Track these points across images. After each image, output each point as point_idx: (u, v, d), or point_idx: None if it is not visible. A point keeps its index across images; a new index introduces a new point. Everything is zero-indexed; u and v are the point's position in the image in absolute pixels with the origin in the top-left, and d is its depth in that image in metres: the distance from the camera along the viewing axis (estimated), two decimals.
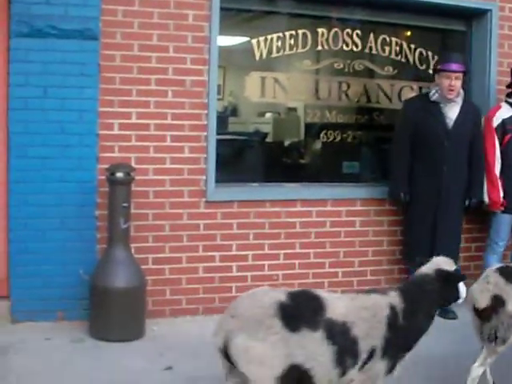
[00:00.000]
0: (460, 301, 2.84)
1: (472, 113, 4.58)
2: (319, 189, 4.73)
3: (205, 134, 4.29)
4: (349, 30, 4.80)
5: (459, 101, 4.52)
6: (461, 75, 4.46)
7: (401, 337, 2.55)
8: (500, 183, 4.66)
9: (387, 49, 4.94)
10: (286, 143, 5.15)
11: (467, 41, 5.20)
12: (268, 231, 4.50)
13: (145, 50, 4.13)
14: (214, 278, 4.37)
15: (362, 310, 2.52)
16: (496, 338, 3.03)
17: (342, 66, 4.86)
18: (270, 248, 4.50)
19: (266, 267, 4.50)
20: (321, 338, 2.40)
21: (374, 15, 4.88)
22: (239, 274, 4.43)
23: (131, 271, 3.90)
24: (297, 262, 4.58)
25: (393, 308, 2.57)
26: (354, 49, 4.85)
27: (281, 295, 2.44)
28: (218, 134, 4.35)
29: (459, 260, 4.65)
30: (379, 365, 2.52)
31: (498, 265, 3.34)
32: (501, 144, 4.65)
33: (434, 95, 4.49)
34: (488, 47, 5.06)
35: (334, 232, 4.68)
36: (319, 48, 4.75)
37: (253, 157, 4.96)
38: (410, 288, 2.71)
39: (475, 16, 5.12)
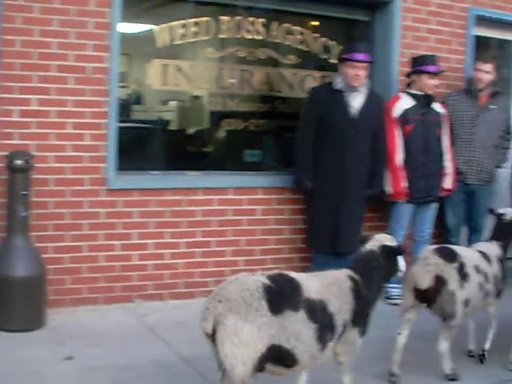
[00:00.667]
0: (400, 274, 3.68)
1: (376, 102, 5.59)
2: (221, 177, 5.61)
3: (106, 121, 5.07)
4: (252, 19, 5.72)
5: (363, 90, 5.50)
6: (366, 65, 5.45)
7: (364, 304, 3.37)
8: (403, 173, 5.69)
9: (290, 38, 5.91)
10: (190, 131, 6.01)
11: (371, 31, 6.29)
12: (169, 220, 5.36)
13: (45, 36, 4.84)
14: (114, 266, 5.19)
15: (330, 286, 3.28)
16: (446, 316, 3.93)
17: (245, 54, 5.79)
18: (171, 237, 5.37)
19: (167, 256, 5.34)
20: (302, 317, 3.06)
21: (277, 4, 5.84)
22: (140, 262, 5.27)
23: (31, 260, 4.61)
24: (198, 250, 5.47)
25: (352, 278, 3.37)
26: (258, 37, 5.79)
27: (263, 278, 3.05)
28: (120, 121, 5.14)
29: None
30: (353, 333, 3.33)
31: (436, 246, 4.26)
32: (403, 134, 5.70)
33: (339, 84, 5.45)
34: (391, 38, 6.15)
35: (235, 220, 5.61)
36: (222, 36, 5.65)
37: (155, 145, 5.78)
38: (359, 264, 3.50)
39: (379, 6, 6.20)
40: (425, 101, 5.71)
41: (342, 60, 5.46)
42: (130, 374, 3.95)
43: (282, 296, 3.03)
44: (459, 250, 4.19)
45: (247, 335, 2.90)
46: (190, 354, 4.26)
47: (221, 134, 5.97)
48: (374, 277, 3.47)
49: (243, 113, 5.87)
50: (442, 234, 6.23)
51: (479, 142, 6.04)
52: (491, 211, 4.81)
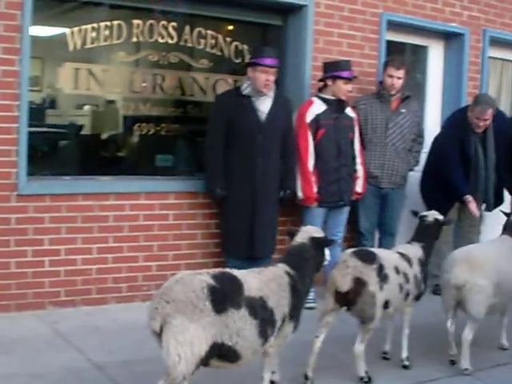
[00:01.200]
0: (326, 263, 4.45)
1: (284, 106, 6.47)
2: (132, 182, 6.38)
3: (16, 125, 5.76)
4: (164, 22, 6.54)
5: (271, 94, 6.37)
6: (276, 70, 6.31)
7: (299, 298, 4.10)
8: (314, 178, 6.57)
9: (203, 42, 6.80)
10: (103, 136, 6.80)
11: (283, 35, 7.24)
12: (81, 225, 6.11)
13: None
14: (26, 273, 5.90)
15: (270, 282, 3.96)
16: (365, 318, 4.55)
17: (157, 58, 6.62)
18: (83, 242, 6.13)
19: (79, 261, 6.08)
20: (244, 315, 3.69)
21: (190, 8, 6.71)
22: (52, 268, 6.01)
23: None
24: (110, 256, 6.25)
25: (289, 274, 4.08)
26: (170, 41, 6.62)
27: (207, 278, 3.65)
28: (31, 125, 5.84)
29: (275, 252, 6.52)
30: (288, 326, 4.05)
31: (354, 249, 4.98)
32: (315, 139, 6.57)
33: (247, 89, 6.29)
34: (303, 42, 7.09)
35: (147, 225, 6.40)
36: (134, 40, 6.46)
37: (68, 150, 6.51)
38: (292, 258, 4.22)
39: (291, 11, 7.14)
40: (337, 106, 6.61)
41: (250, 64, 6.29)
42: (41, 382, 4.44)
43: (225, 296, 3.65)
44: (378, 251, 4.88)
45: (192, 334, 3.52)
46: (101, 361, 4.87)
47: (133, 138, 6.74)
48: (306, 269, 4.23)
49: (156, 117, 6.68)
50: (355, 237, 7.23)
51: (392, 145, 7.04)
52: (414, 213, 5.58)
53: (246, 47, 7.00)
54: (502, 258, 5.37)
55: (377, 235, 7.35)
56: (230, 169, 6.27)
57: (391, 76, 6.95)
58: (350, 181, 6.75)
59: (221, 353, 3.67)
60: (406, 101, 7.14)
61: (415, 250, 5.17)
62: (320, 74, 6.80)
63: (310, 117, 6.54)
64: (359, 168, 6.84)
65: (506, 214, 5.98)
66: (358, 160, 6.83)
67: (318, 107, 6.58)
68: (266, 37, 7.40)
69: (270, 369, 4.24)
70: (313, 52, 7.11)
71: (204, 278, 3.68)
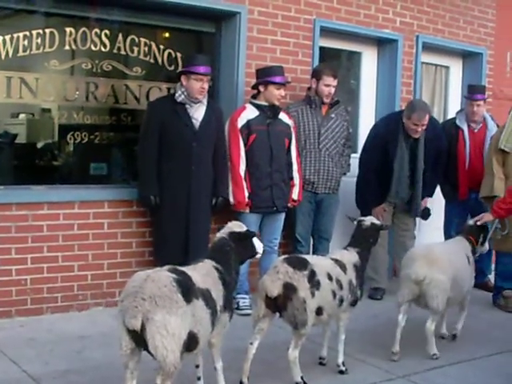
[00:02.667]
0: (258, 255, 4.88)
1: (215, 113, 6.80)
2: (66, 191, 6.64)
3: None
4: (97, 30, 6.82)
5: (205, 102, 6.69)
6: (209, 77, 6.64)
7: (230, 289, 4.53)
8: (245, 183, 6.91)
9: (136, 49, 7.09)
10: (38, 145, 7.04)
11: (217, 42, 7.58)
12: (14, 235, 6.34)
13: None
14: None
15: (206, 276, 4.37)
16: (297, 323, 4.79)
17: (90, 66, 6.88)
18: (17, 252, 6.35)
19: (14, 272, 6.31)
20: (201, 304, 4.15)
21: (123, 15, 7.00)
22: None
23: None
24: (45, 265, 6.49)
25: (217, 268, 4.47)
26: (103, 49, 6.90)
27: (170, 273, 4.06)
28: None
29: None
30: (224, 316, 4.48)
31: (286, 255, 5.29)
32: (247, 144, 6.92)
33: (181, 96, 6.59)
34: (237, 49, 7.44)
35: (82, 234, 6.67)
36: (67, 48, 6.71)
37: (1, 159, 6.69)
38: (215, 253, 4.62)
39: (225, 18, 7.49)
40: (270, 111, 6.96)
41: (183, 72, 6.60)
42: None
43: (187, 287, 4.07)
44: (310, 258, 5.10)
45: (174, 326, 3.91)
46: (37, 372, 5.06)
47: (67, 147, 6.99)
48: (229, 262, 4.59)
49: (89, 125, 6.94)
50: (291, 243, 7.60)
51: (326, 150, 7.45)
52: (352, 219, 5.88)
53: (179, 55, 7.29)
54: (456, 256, 6.04)
55: (312, 241, 7.71)
56: (164, 176, 6.54)
57: (328, 85, 7.35)
58: (284, 187, 7.07)
59: (190, 341, 4.06)
60: (335, 106, 7.55)
61: (350, 256, 5.42)
62: (253, 80, 7.14)
63: (241, 122, 6.88)
64: (296, 175, 7.19)
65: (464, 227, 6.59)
66: (295, 167, 7.19)
67: (250, 113, 6.92)
68: (199, 44, 7.74)
69: (219, 358, 4.63)
70: (246, 59, 7.45)
71: (167, 273, 4.09)
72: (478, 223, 6.42)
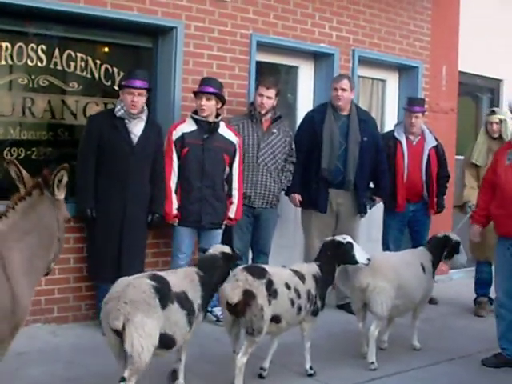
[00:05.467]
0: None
1: (154, 129, 7.27)
2: (2, 207, 6.89)
3: None
4: (34, 45, 7.26)
5: (144, 117, 7.16)
6: (144, 91, 7.09)
7: (208, 293, 5.37)
8: (175, 195, 7.36)
9: (73, 64, 7.54)
10: None
11: (154, 57, 8.08)
12: None
13: None
14: None
15: (184, 279, 5.26)
16: (253, 330, 5.37)
17: (26, 81, 7.27)
18: None
19: None
20: (176, 307, 4.99)
21: (59, 30, 7.46)
22: None
23: None
24: None
25: (198, 274, 5.38)
26: (39, 64, 7.33)
27: (149, 281, 4.92)
28: None
29: None
30: (200, 316, 5.32)
31: (246, 265, 5.86)
32: (180, 157, 7.37)
33: (120, 111, 7.06)
34: (173, 64, 7.93)
35: None
36: (3, 63, 7.13)
37: None
38: (203, 264, 5.55)
39: (161, 33, 7.99)
40: (208, 126, 7.39)
41: (121, 87, 7.07)
42: None
43: (164, 293, 4.93)
44: (269, 268, 5.73)
45: (150, 328, 4.76)
46: None
47: (3, 163, 7.31)
48: (214, 275, 5.48)
49: (26, 141, 7.34)
50: None
51: (264, 165, 7.92)
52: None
53: (116, 70, 7.77)
54: (406, 265, 6.78)
55: (251, 255, 8.19)
56: (101, 190, 6.98)
57: (261, 95, 7.82)
58: (215, 203, 7.44)
59: (163, 342, 4.93)
60: (277, 121, 8.03)
61: (310, 268, 6.07)
62: (190, 95, 7.65)
63: (176, 135, 7.34)
64: (235, 193, 7.62)
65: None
66: (235, 185, 7.61)
67: (187, 126, 7.38)
68: (136, 59, 8.24)
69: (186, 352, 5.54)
70: (183, 73, 7.93)
71: (146, 280, 4.96)
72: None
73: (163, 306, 4.89)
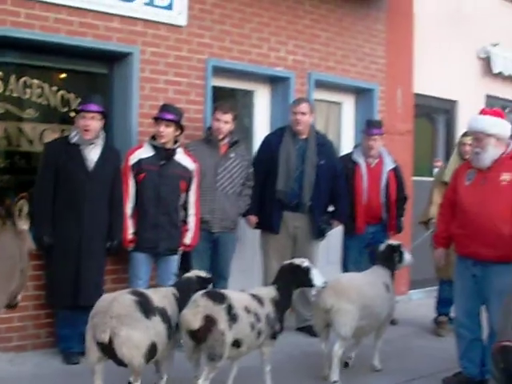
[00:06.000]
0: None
1: (112, 155, 7.38)
2: None
3: None
4: None
5: (99, 143, 7.25)
6: (97, 115, 7.15)
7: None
8: (131, 221, 7.48)
9: (29, 91, 7.64)
10: None
11: (110, 83, 8.22)
12: None
13: None
14: None
15: (164, 298, 5.77)
16: (215, 355, 5.47)
17: None
18: None
19: None
20: (159, 320, 5.51)
21: (15, 57, 7.56)
22: None
23: None
24: None
25: (174, 294, 5.90)
26: None
27: (132, 296, 5.46)
28: None
29: None
30: (177, 335, 5.77)
31: (205, 290, 5.85)
32: (137, 183, 7.48)
33: (75, 137, 7.16)
34: (129, 90, 8.06)
35: None
36: None
37: None
38: (180, 286, 6.09)
39: (117, 59, 8.14)
40: (165, 153, 7.52)
41: (77, 112, 7.19)
42: None
43: (146, 306, 5.47)
44: (228, 292, 5.87)
45: (136, 339, 5.31)
46: None
47: None
48: (189, 294, 5.81)
49: None
50: None
51: (222, 190, 8.05)
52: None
53: (72, 96, 7.90)
54: (369, 286, 6.99)
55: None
56: (58, 216, 7.05)
57: (218, 120, 7.97)
58: (171, 230, 7.54)
59: (152, 351, 5.44)
60: (234, 145, 8.18)
61: (268, 291, 6.24)
62: (146, 120, 7.82)
63: (133, 160, 7.44)
64: (191, 219, 7.73)
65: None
66: (191, 211, 7.72)
67: (144, 152, 7.49)
68: (92, 85, 8.36)
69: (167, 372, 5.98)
70: (139, 99, 8.07)
71: (130, 296, 5.50)
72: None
73: (147, 316, 5.42)
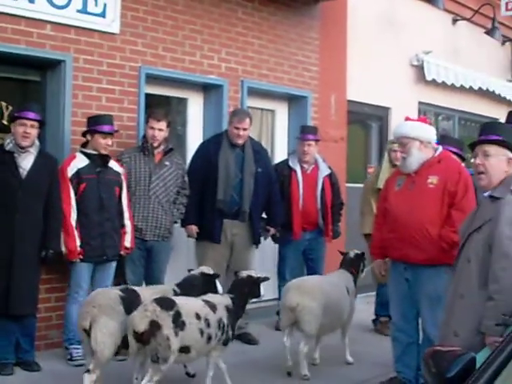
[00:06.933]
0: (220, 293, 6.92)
1: (47, 163, 7.51)
2: None
3: None
4: None
5: (33, 150, 7.37)
6: (36, 124, 7.30)
7: None
8: (77, 232, 7.64)
9: None
10: None
11: (43, 91, 8.38)
12: None
13: None
14: None
15: (158, 294, 6.36)
16: (158, 358, 5.88)
17: None
18: None
19: None
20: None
21: None
22: None
23: None
24: None
25: (175, 290, 6.66)
26: None
27: (117, 291, 6.31)
28: None
29: (37, 311, 7.51)
30: None
31: (156, 297, 6.20)
32: (78, 193, 7.67)
33: (9, 145, 7.29)
34: (62, 97, 8.25)
35: None
36: None
37: None
38: (184, 283, 6.85)
39: (50, 66, 8.31)
40: (100, 160, 7.75)
41: (14, 119, 7.31)
42: None
43: (130, 302, 6.22)
44: (179, 300, 6.23)
45: (112, 328, 6.12)
46: None
47: None
48: (193, 290, 6.61)
49: None
50: None
51: (155, 198, 8.28)
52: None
53: (4, 104, 8.06)
54: (333, 287, 7.72)
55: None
56: None
57: (152, 128, 8.22)
58: (114, 235, 7.82)
59: (127, 343, 6.03)
60: (169, 153, 8.43)
61: (222, 299, 6.68)
62: (80, 128, 7.98)
63: (71, 171, 7.61)
64: (127, 223, 7.98)
65: (342, 253, 8.25)
66: (126, 215, 7.97)
67: (80, 162, 7.68)
68: (25, 93, 8.53)
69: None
70: (72, 107, 8.24)
71: (116, 291, 6.38)
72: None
73: (128, 311, 6.11)
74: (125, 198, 7.98)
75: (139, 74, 8.87)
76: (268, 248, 9.62)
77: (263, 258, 9.73)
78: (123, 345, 6.15)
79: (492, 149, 5.18)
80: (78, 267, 7.68)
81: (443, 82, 13.65)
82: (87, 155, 7.72)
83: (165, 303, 6.04)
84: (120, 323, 6.12)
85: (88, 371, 6.10)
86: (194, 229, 8.68)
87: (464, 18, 14.49)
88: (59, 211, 7.51)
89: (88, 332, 6.11)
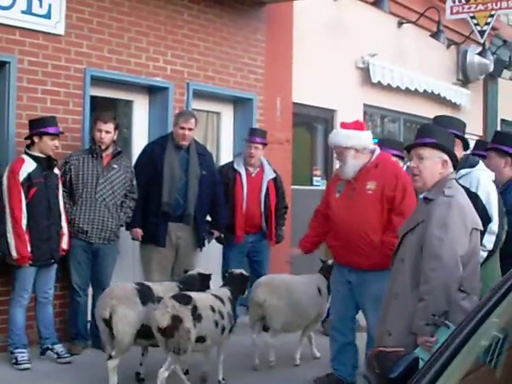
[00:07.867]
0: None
1: None
2: None
3: None
4: None
5: None
6: None
7: None
8: (27, 237, 7.75)
9: None
10: None
11: None
12: None
13: None
14: None
15: (167, 290, 7.12)
16: (179, 349, 6.55)
17: None
18: None
19: None
20: (155, 306, 6.80)
21: None
22: None
23: None
24: None
25: (179, 287, 7.35)
26: None
27: (134, 285, 7.14)
28: None
29: None
30: None
31: (165, 291, 7.13)
32: (28, 198, 7.78)
33: None
34: (7, 99, 8.38)
35: None
36: None
37: None
38: (184, 281, 7.54)
39: None
40: (47, 163, 7.91)
41: None
42: None
43: (145, 294, 7.00)
44: (194, 295, 6.94)
45: (130, 318, 6.82)
46: None
47: None
48: (193, 289, 7.21)
49: None
50: (68, 294, 8.61)
51: (102, 201, 8.48)
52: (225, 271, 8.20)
53: None
54: (302, 286, 8.27)
55: (90, 291, 8.70)
56: None
57: (100, 130, 8.43)
58: (58, 238, 8.00)
59: (144, 332, 6.82)
60: (117, 156, 8.64)
61: (226, 292, 7.50)
62: (24, 131, 8.11)
63: (22, 176, 7.71)
64: (64, 225, 8.14)
65: (322, 261, 8.64)
66: (63, 217, 8.15)
67: (29, 165, 7.78)
68: None
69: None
70: (17, 109, 8.37)
71: (132, 285, 7.14)
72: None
73: (144, 303, 6.91)
74: (61, 200, 8.17)
75: (84, 76, 9.03)
76: (213, 249, 9.84)
77: (208, 259, 9.90)
78: (140, 334, 6.90)
79: (426, 152, 5.45)
80: (26, 271, 7.80)
81: (388, 85, 13.98)
82: (34, 158, 7.86)
83: (183, 299, 6.80)
84: (138, 313, 6.86)
85: (110, 357, 6.83)
86: (139, 232, 8.88)
87: (409, 21, 14.87)
88: (3, 214, 7.65)
89: (107, 322, 6.82)
